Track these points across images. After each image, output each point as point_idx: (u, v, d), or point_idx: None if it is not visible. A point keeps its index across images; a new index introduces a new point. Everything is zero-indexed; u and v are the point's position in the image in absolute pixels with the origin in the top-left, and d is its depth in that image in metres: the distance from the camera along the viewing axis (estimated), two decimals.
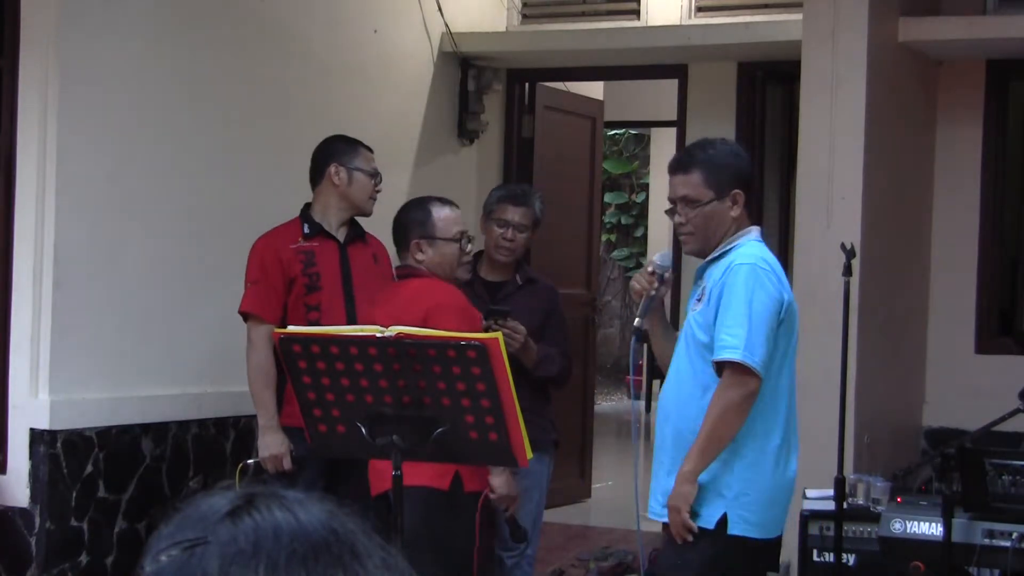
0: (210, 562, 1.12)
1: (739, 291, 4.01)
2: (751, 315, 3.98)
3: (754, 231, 4.23)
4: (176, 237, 6.26)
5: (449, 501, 4.59)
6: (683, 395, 4.13)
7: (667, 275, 4.22)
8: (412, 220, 4.93)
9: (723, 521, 4.03)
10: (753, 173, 4.40)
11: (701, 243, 4.20)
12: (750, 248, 4.14)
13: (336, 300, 5.29)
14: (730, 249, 4.15)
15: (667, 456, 4.16)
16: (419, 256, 4.88)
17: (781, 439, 4.12)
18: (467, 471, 4.60)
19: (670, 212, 4.26)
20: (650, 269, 4.20)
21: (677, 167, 4.22)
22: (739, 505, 4.02)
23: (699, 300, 4.14)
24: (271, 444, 5.21)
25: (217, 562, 1.12)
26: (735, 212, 4.18)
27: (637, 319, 4.23)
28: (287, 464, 5.18)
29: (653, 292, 4.18)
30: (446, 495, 4.59)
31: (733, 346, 3.97)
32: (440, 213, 4.91)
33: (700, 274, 4.25)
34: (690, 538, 3.99)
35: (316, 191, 5.45)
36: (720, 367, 4.02)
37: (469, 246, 4.99)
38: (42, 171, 5.76)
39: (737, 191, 4.17)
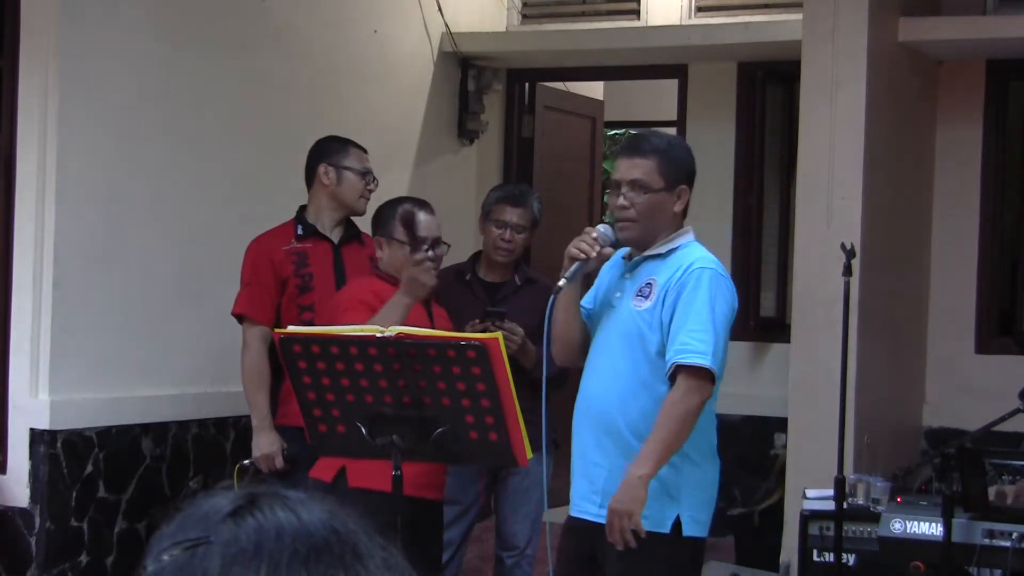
0: (212, 562, 1.12)
1: (704, 296, 3.97)
2: (715, 322, 3.96)
3: (691, 232, 4.19)
4: (176, 237, 6.26)
5: (330, 493, 4.46)
6: (621, 392, 4.07)
7: (606, 249, 4.13)
8: (382, 217, 4.96)
9: (677, 524, 4.00)
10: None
11: (641, 232, 4.12)
12: (701, 251, 4.12)
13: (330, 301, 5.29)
14: (676, 248, 4.10)
15: (612, 454, 4.07)
16: (379, 253, 4.93)
17: (714, 438, 4.15)
18: (356, 467, 4.47)
19: (613, 193, 4.19)
20: (594, 235, 4.11)
21: (632, 150, 4.16)
22: (690, 506, 4.00)
23: (646, 297, 4.07)
24: (263, 444, 5.23)
25: (219, 562, 1.12)
26: (678, 208, 4.14)
27: (563, 280, 4.12)
28: (279, 463, 5.19)
29: (593, 256, 4.11)
30: (328, 487, 4.49)
31: (702, 352, 3.92)
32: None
33: (633, 267, 4.17)
34: (634, 544, 3.89)
35: (310, 192, 5.45)
36: (675, 369, 3.95)
37: (431, 252, 4.85)
38: (42, 171, 5.76)
39: (684, 187, 4.14)
